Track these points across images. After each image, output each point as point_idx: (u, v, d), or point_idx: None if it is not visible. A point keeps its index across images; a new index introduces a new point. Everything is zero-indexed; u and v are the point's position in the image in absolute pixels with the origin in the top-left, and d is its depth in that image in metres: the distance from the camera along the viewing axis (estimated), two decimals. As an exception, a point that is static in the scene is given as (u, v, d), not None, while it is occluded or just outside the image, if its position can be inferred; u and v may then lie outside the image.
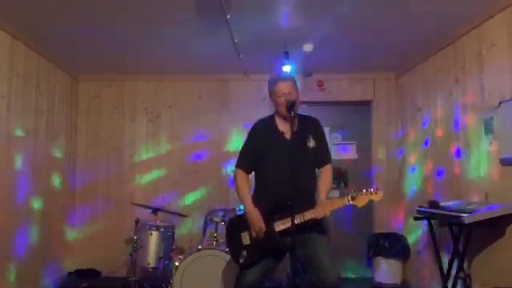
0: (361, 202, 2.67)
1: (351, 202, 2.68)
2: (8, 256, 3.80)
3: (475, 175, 3.53)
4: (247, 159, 2.92)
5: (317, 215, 2.65)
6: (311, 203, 2.74)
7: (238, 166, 2.93)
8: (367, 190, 2.69)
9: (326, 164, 2.91)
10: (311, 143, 2.84)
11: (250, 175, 2.95)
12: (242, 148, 2.99)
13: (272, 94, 2.86)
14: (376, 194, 2.68)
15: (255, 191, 2.91)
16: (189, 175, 5.38)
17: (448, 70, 4.01)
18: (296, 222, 2.55)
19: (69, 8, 3.43)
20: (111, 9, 3.45)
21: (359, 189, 2.72)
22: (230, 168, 5.27)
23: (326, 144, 2.96)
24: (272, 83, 2.87)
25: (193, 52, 4.53)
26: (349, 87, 5.48)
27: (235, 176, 2.92)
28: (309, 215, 2.65)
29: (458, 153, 3.81)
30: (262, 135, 2.90)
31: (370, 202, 2.73)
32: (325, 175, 2.88)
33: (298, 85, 2.90)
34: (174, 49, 4.48)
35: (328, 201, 2.75)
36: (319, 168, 2.91)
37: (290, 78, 2.88)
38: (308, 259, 2.72)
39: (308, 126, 2.89)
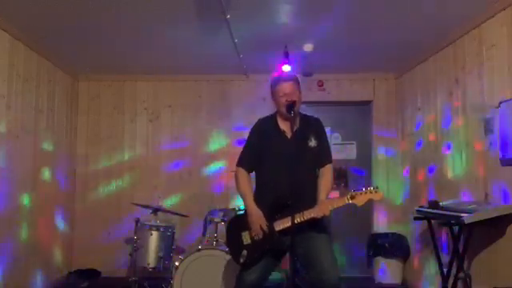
0: (360, 200, 2.67)
1: (351, 201, 2.67)
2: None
3: (475, 175, 3.53)
4: (248, 158, 2.91)
5: (317, 214, 2.64)
6: (311, 203, 2.72)
7: (239, 164, 2.92)
8: (366, 189, 2.69)
9: (327, 164, 2.89)
10: (312, 143, 2.83)
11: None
12: (244, 147, 2.97)
13: (274, 93, 2.85)
14: (376, 192, 2.68)
15: (256, 190, 2.90)
16: (189, 175, 5.38)
17: (448, 70, 4.01)
18: (296, 221, 2.55)
19: (69, 8, 3.43)
20: (111, 9, 3.45)
21: (359, 188, 2.72)
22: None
23: (327, 144, 2.95)
24: (274, 83, 2.86)
25: (193, 52, 4.53)
26: (349, 87, 5.48)
27: (236, 175, 2.91)
28: (309, 214, 2.64)
29: (458, 153, 3.81)
30: (263, 134, 2.89)
31: (370, 202, 2.73)
32: (325, 175, 2.86)
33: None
34: (174, 49, 4.48)
35: (328, 200, 2.75)
36: (320, 168, 2.90)
37: (292, 78, 2.87)
38: (308, 259, 2.71)
39: (309, 126, 2.89)
